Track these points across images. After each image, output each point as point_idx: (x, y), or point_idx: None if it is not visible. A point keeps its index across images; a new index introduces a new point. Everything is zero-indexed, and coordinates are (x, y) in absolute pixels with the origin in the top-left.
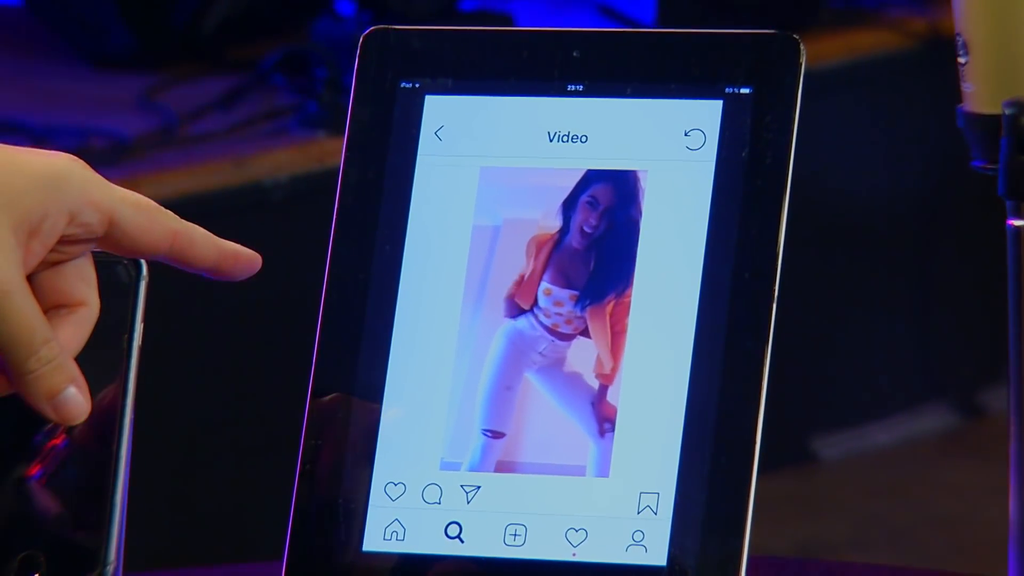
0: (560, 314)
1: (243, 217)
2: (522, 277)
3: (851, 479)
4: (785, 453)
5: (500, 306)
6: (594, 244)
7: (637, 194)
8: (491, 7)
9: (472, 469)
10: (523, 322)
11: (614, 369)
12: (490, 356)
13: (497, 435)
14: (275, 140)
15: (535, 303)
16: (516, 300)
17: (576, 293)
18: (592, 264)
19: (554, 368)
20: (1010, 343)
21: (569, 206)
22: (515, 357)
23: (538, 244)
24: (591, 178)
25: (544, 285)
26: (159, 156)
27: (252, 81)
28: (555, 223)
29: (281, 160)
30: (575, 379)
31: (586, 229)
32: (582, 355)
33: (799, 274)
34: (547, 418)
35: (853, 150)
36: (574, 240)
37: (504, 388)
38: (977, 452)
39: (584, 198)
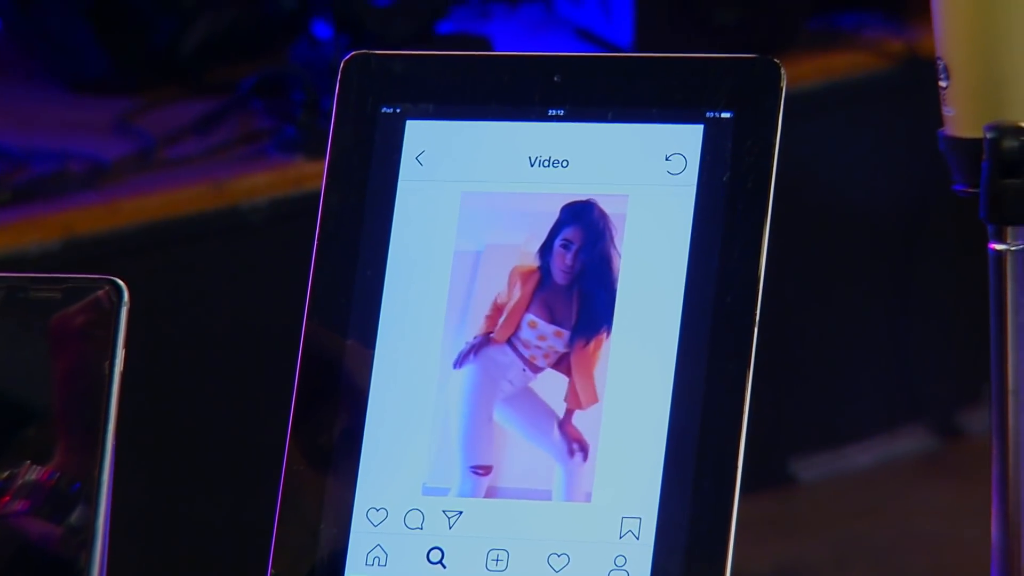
0: (540, 347)
1: (221, 240)
2: (501, 308)
3: (831, 500)
4: (764, 475)
5: (478, 332)
6: (577, 276)
7: (618, 219)
8: (469, 30)
9: (454, 495)
10: (496, 349)
11: (591, 397)
12: (465, 385)
13: (485, 470)
14: (253, 164)
15: (515, 332)
16: (492, 336)
17: (562, 330)
18: (577, 298)
19: (519, 397)
20: (992, 366)
21: (552, 236)
22: (488, 385)
23: (522, 275)
24: (569, 209)
25: (529, 317)
26: (137, 180)
27: (230, 104)
28: (536, 252)
29: (259, 183)
30: (540, 406)
31: (568, 262)
32: (548, 384)
33: (777, 296)
34: (521, 445)
35: (831, 171)
36: (557, 273)
37: (486, 420)
38: (956, 473)
39: (565, 231)
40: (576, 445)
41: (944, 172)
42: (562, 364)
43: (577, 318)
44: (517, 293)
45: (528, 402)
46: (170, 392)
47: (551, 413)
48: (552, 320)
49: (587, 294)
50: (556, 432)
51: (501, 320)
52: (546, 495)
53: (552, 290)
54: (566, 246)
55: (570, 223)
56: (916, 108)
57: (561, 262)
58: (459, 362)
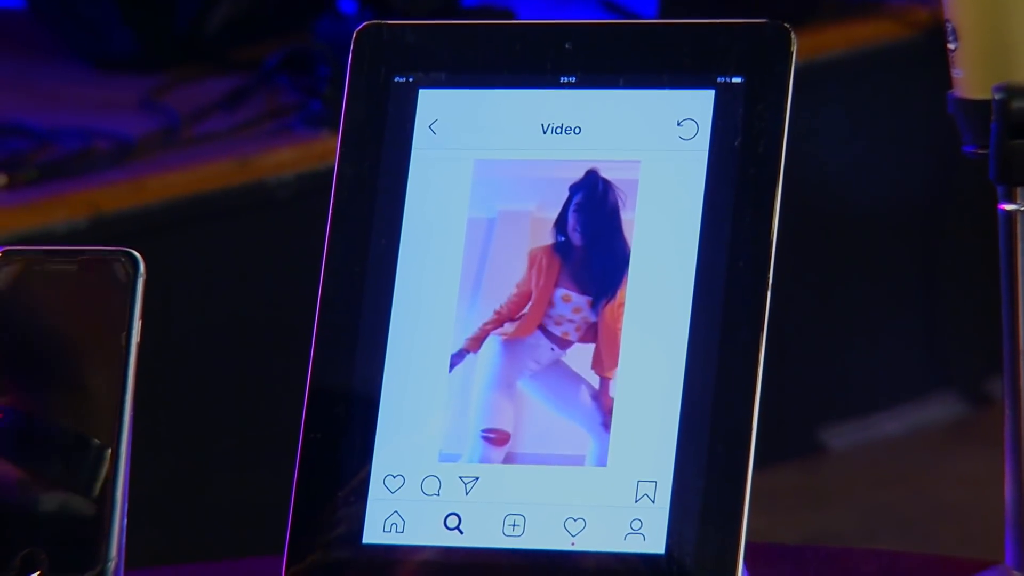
0: (573, 320)
1: (248, 216)
2: (526, 294)
3: (859, 469)
4: (793, 444)
5: (498, 300)
6: (592, 243)
7: (630, 185)
8: (492, 3)
9: (470, 461)
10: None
11: (615, 363)
12: (485, 358)
13: (501, 437)
14: (279, 139)
15: (547, 311)
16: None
17: (590, 298)
18: (596, 265)
19: (550, 370)
20: (1004, 327)
21: (565, 208)
22: (510, 362)
23: (543, 254)
24: (583, 179)
25: (562, 292)
26: (163, 157)
27: (255, 81)
28: (552, 226)
29: (285, 159)
30: (574, 378)
31: (582, 230)
32: (578, 357)
33: (803, 265)
34: (546, 414)
35: (856, 141)
36: (575, 240)
37: (505, 387)
38: (985, 441)
39: (577, 197)
40: (609, 414)
41: None
42: (589, 333)
43: (598, 285)
44: (541, 274)
45: (558, 374)
46: (195, 367)
47: (586, 384)
48: (582, 291)
49: (603, 261)
50: (590, 402)
51: (528, 307)
52: (562, 460)
53: (574, 261)
54: (578, 210)
55: (580, 190)
56: (940, 76)
57: (576, 230)
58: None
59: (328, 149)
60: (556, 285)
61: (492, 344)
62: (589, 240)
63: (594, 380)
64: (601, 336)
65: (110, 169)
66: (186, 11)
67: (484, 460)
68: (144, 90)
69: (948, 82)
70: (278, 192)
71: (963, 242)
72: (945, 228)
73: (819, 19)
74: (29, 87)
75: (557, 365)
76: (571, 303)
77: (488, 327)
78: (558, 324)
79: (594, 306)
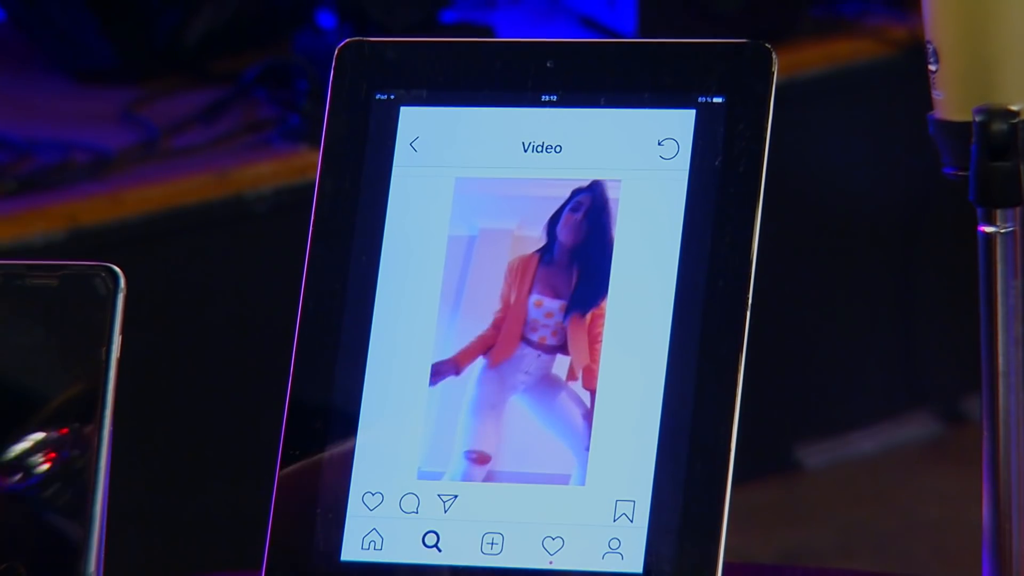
0: (547, 326)
1: (226, 230)
2: (506, 304)
3: (835, 487)
4: (769, 462)
5: (478, 318)
6: (574, 255)
7: (612, 204)
8: (472, 19)
9: (449, 479)
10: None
11: (593, 376)
12: (470, 378)
13: (482, 458)
14: (257, 153)
15: (524, 322)
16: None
17: (564, 303)
18: (574, 275)
19: (541, 385)
20: (982, 347)
21: (563, 207)
22: (498, 379)
23: (521, 263)
24: (572, 192)
25: (535, 297)
26: (141, 170)
27: (234, 94)
28: (535, 236)
29: (263, 173)
30: (566, 392)
31: (565, 242)
32: (560, 369)
33: (781, 282)
34: (530, 433)
35: (835, 158)
36: (556, 253)
37: (487, 407)
38: (960, 459)
39: (578, 197)
40: (594, 435)
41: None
42: (563, 338)
43: (571, 292)
44: (515, 283)
45: (550, 391)
46: (173, 381)
47: (578, 401)
48: (556, 295)
49: (583, 269)
50: (581, 422)
51: (505, 318)
52: (541, 479)
53: (549, 270)
54: (576, 210)
55: (581, 193)
56: (919, 94)
57: (570, 229)
58: (458, 346)
59: (307, 163)
60: (530, 292)
61: (477, 364)
62: (567, 253)
63: (585, 397)
64: (573, 345)
65: (88, 182)
66: (165, 24)
67: (464, 478)
68: (123, 103)
69: (926, 102)
70: (256, 206)
71: (939, 261)
72: (921, 247)
73: (798, 37)
74: (7, 98)
75: (546, 381)
76: (543, 308)
77: (474, 348)
78: (534, 330)
79: (567, 311)
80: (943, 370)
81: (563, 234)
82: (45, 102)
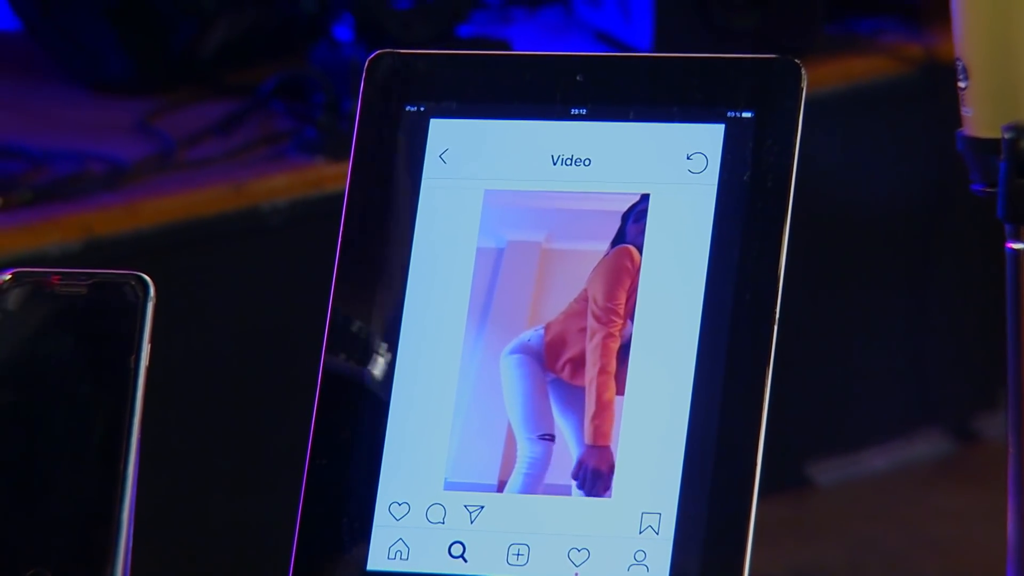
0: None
1: (241, 242)
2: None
3: (846, 504)
4: (780, 478)
5: (507, 330)
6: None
7: (641, 217)
8: (489, 33)
9: (476, 489)
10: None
11: (621, 390)
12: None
13: (548, 437)
14: (273, 165)
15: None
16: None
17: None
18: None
19: (564, 386)
20: (1009, 366)
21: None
22: (526, 378)
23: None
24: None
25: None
26: (157, 181)
27: (250, 106)
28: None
29: (279, 185)
30: (579, 396)
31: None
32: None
33: (795, 298)
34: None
35: (849, 175)
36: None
37: (541, 396)
38: (972, 477)
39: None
40: (601, 442)
41: (961, 175)
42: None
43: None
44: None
45: (569, 392)
46: (190, 393)
47: (584, 405)
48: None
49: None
50: (587, 426)
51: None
52: (568, 490)
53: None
54: (638, 220)
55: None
56: (934, 112)
57: (637, 233)
58: (486, 358)
59: (322, 176)
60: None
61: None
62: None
63: (592, 404)
64: (603, 362)
65: (104, 193)
66: (182, 36)
67: (489, 488)
68: (139, 114)
69: (940, 119)
70: (271, 218)
71: (953, 278)
72: (935, 263)
73: (813, 54)
74: (24, 109)
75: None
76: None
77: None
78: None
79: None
80: (955, 388)
81: (636, 230)
82: (61, 113)
